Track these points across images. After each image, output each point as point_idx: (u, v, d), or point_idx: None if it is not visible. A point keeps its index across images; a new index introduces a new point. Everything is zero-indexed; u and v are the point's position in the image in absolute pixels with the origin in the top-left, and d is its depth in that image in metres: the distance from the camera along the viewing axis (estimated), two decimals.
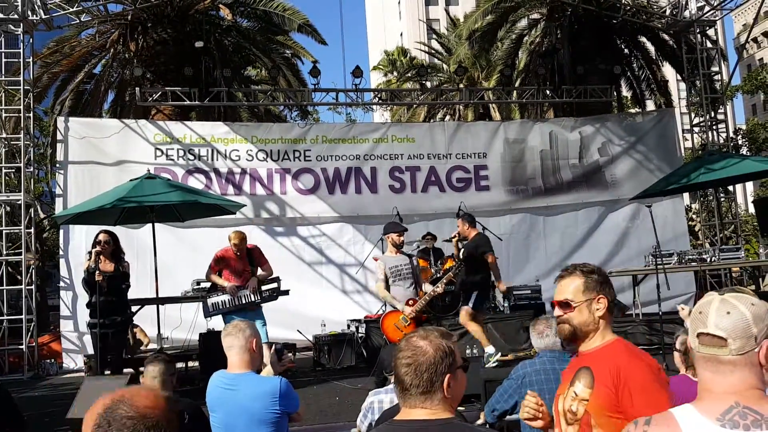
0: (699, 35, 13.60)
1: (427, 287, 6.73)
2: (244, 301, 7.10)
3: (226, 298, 7.05)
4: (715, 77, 14.29)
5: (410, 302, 6.53)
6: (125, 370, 7.51)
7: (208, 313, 7.18)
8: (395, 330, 6.47)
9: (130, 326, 8.77)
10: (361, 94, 12.96)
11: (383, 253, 9.90)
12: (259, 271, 7.24)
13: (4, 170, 11.24)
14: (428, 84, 22.06)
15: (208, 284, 8.97)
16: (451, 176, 12.70)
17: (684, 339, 3.53)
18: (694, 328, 1.50)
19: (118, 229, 8.61)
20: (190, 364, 8.79)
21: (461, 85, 14.11)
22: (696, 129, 14.11)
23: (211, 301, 7.15)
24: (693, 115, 14.14)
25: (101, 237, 6.70)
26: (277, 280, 7.37)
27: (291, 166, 12.24)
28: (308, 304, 10.67)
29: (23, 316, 10.48)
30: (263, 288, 7.22)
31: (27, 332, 10.45)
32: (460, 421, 1.85)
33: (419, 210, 12.33)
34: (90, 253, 6.74)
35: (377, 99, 14.72)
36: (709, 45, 14.07)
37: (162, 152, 11.81)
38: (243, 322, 3.38)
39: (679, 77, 15.89)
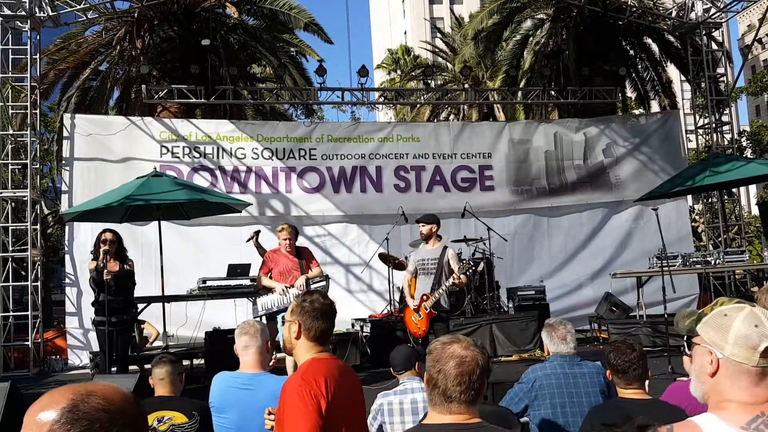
0: (705, 37, 13.59)
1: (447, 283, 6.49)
2: (291, 300, 7.10)
3: (275, 297, 7.01)
4: (721, 79, 14.28)
5: (424, 297, 6.48)
6: (131, 368, 7.57)
7: (257, 313, 7.13)
8: (411, 323, 6.59)
9: (136, 323, 8.82)
10: (366, 93, 12.98)
11: (388, 252, 10.00)
12: (310, 272, 7.07)
13: (10, 166, 11.27)
14: (432, 83, 22.05)
15: (213, 283, 9.04)
16: (456, 176, 12.71)
17: None
18: (754, 343, 1.47)
19: (123, 226, 8.66)
20: (196, 361, 8.83)
21: (466, 85, 14.11)
22: (700, 131, 14.10)
23: (260, 300, 7.09)
24: (698, 116, 14.13)
25: (107, 236, 6.68)
26: (326, 278, 7.28)
27: (296, 165, 12.25)
28: None
29: (29, 312, 10.52)
30: (311, 286, 7.19)
31: (33, 328, 10.48)
32: (488, 424, 1.88)
33: (424, 209, 12.22)
34: (96, 252, 6.75)
35: (383, 98, 14.71)
36: (714, 47, 14.05)
37: (167, 150, 11.83)
38: (259, 323, 3.40)
39: (683, 78, 15.87)
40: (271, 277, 6.98)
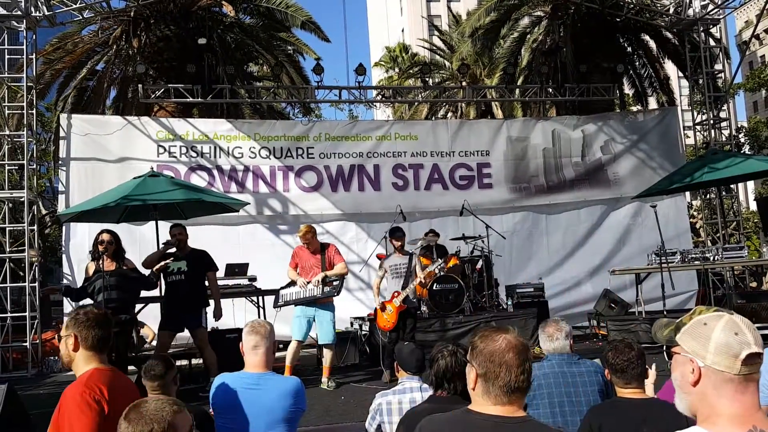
0: (702, 33, 13.57)
1: (418, 277, 7.66)
2: (308, 295, 7.33)
3: (295, 290, 7.43)
4: (718, 75, 14.27)
5: (395, 294, 7.55)
6: (129, 368, 7.54)
7: (277, 304, 7.59)
8: (381, 318, 7.58)
9: (134, 325, 8.78)
10: (364, 91, 12.96)
11: (386, 251, 9.99)
12: (331, 270, 7.44)
13: (7, 167, 11.24)
14: (430, 81, 22.04)
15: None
16: (454, 174, 12.70)
17: None
18: (735, 351, 1.47)
19: (121, 226, 8.62)
20: (194, 361, 8.81)
21: (464, 83, 14.07)
22: (698, 127, 14.10)
23: (282, 292, 7.57)
24: (695, 113, 14.14)
25: (104, 237, 6.65)
26: (341, 279, 7.50)
27: (294, 164, 12.23)
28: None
29: (27, 313, 10.49)
30: (327, 282, 7.37)
31: (31, 329, 10.46)
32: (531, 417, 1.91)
33: (422, 208, 12.34)
34: (94, 252, 6.71)
35: (380, 96, 14.69)
36: (712, 43, 14.04)
37: (165, 149, 11.80)
38: (268, 323, 3.38)
39: (680, 74, 15.87)
40: (298, 273, 7.53)
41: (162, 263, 6.96)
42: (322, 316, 7.36)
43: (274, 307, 7.78)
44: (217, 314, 7.47)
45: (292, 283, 7.54)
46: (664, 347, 1.61)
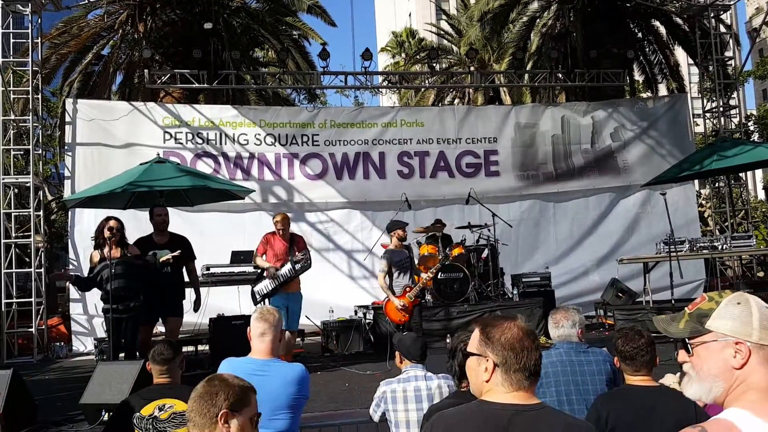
0: (713, 20, 13.39)
1: (424, 275, 7.72)
2: (282, 280, 7.34)
3: (267, 282, 7.38)
4: (729, 62, 14.09)
5: (407, 289, 7.51)
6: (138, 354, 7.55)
7: (256, 301, 7.47)
8: (395, 312, 7.49)
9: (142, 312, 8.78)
10: (370, 77, 12.85)
11: (391, 243, 9.92)
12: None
13: (12, 152, 11.22)
14: (437, 66, 21.90)
15: (217, 269, 9.02)
16: (460, 161, 12.61)
17: None
18: None
19: (127, 212, 8.59)
20: (200, 347, 8.82)
21: (472, 68, 13.92)
22: (708, 115, 13.95)
23: (256, 289, 7.50)
24: (705, 100, 13.98)
25: (112, 223, 6.58)
26: (304, 254, 7.48)
27: (299, 151, 12.17)
28: (316, 289, 10.64)
29: (33, 299, 10.51)
30: (295, 260, 7.38)
31: (37, 315, 10.49)
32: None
33: (428, 196, 12.26)
34: (98, 239, 6.63)
35: (386, 82, 14.57)
36: (722, 30, 13.87)
37: (171, 135, 11.76)
38: (277, 311, 3.39)
39: (690, 61, 15.70)
40: (265, 259, 7.51)
41: (168, 256, 6.82)
42: (293, 305, 7.47)
43: (255, 305, 7.59)
44: (197, 306, 7.37)
45: (260, 278, 7.54)
46: (679, 342, 1.55)
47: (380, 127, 12.50)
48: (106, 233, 6.48)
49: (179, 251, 6.92)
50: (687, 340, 1.54)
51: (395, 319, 7.56)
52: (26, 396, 5.55)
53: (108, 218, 6.68)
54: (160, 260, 6.76)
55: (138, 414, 3.54)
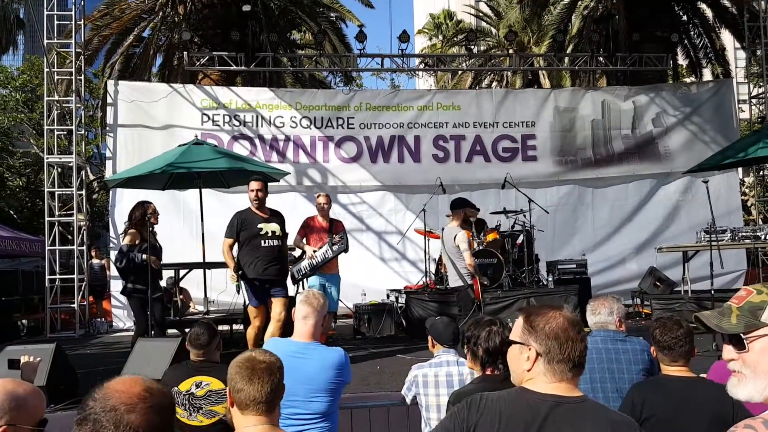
0: (762, 2, 12.91)
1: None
2: (320, 260, 7.40)
3: (305, 263, 7.46)
4: None
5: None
6: (171, 332, 7.71)
7: (295, 280, 7.55)
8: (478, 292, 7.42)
9: (176, 290, 8.96)
10: (406, 59, 12.75)
11: (425, 224, 9.86)
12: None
13: (56, 132, 11.49)
14: (475, 49, 21.63)
15: None
16: (497, 146, 12.47)
17: None
18: None
19: (165, 193, 8.73)
20: (235, 327, 8.96)
21: (510, 51, 13.72)
22: (754, 101, 13.50)
23: (294, 269, 7.53)
24: (752, 85, 13.54)
25: (154, 207, 6.68)
26: (343, 233, 7.57)
27: (334, 134, 12.19)
28: (349, 272, 10.67)
29: (75, 276, 10.81)
30: (333, 242, 7.44)
31: (78, 291, 10.79)
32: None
33: (463, 180, 12.16)
34: (140, 222, 6.68)
35: (423, 65, 14.45)
36: None
37: (208, 117, 11.89)
38: (323, 296, 3.42)
39: (737, 45, 15.21)
40: (307, 242, 7.57)
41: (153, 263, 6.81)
42: (331, 286, 7.53)
43: (294, 283, 7.68)
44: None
45: (298, 260, 7.61)
46: (727, 338, 1.48)
47: (416, 111, 12.42)
48: (152, 219, 6.58)
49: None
50: (742, 335, 1.47)
51: (480, 298, 7.64)
52: (69, 369, 5.71)
53: (145, 202, 6.74)
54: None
55: (176, 389, 3.63)
